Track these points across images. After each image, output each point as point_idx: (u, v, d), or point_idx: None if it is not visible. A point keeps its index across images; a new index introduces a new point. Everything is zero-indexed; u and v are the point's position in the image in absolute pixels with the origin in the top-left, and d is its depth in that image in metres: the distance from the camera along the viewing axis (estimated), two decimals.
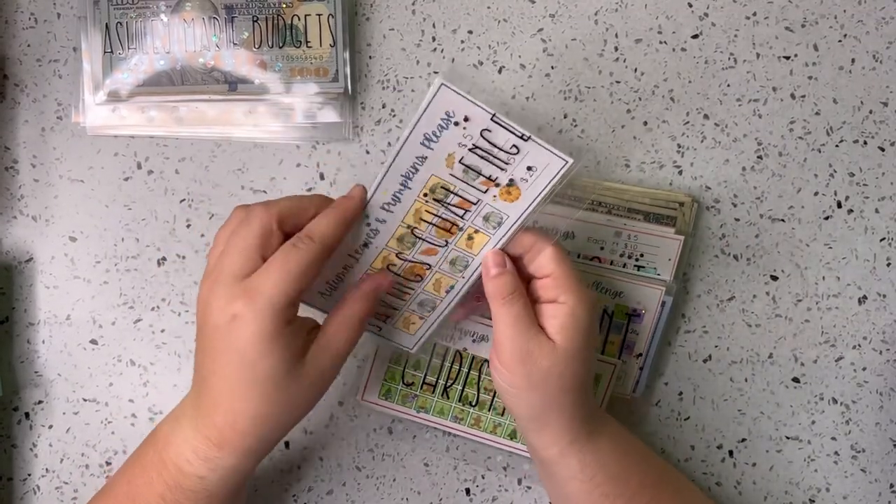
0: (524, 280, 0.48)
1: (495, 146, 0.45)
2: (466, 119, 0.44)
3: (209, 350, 0.44)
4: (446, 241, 0.49)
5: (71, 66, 0.59)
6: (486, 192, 0.47)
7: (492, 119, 0.44)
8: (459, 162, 0.46)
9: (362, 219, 0.48)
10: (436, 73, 0.59)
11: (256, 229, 0.44)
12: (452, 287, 0.50)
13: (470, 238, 0.48)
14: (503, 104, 0.59)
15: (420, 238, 0.49)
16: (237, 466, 0.45)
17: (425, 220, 0.48)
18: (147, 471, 0.46)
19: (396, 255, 0.49)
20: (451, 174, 0.46)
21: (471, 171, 0.46)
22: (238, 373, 0.43)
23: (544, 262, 0.47)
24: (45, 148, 0.59)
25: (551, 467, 0.49)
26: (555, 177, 0.45)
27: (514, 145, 0.45)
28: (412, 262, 0.50)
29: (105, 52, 0.57)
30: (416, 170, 0.46)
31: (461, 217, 0.48)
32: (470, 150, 0.45)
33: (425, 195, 0.47)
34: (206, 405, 0.45)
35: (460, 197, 0.47)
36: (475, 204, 0.47)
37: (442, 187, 0.47)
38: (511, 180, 0.46)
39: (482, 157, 0.46)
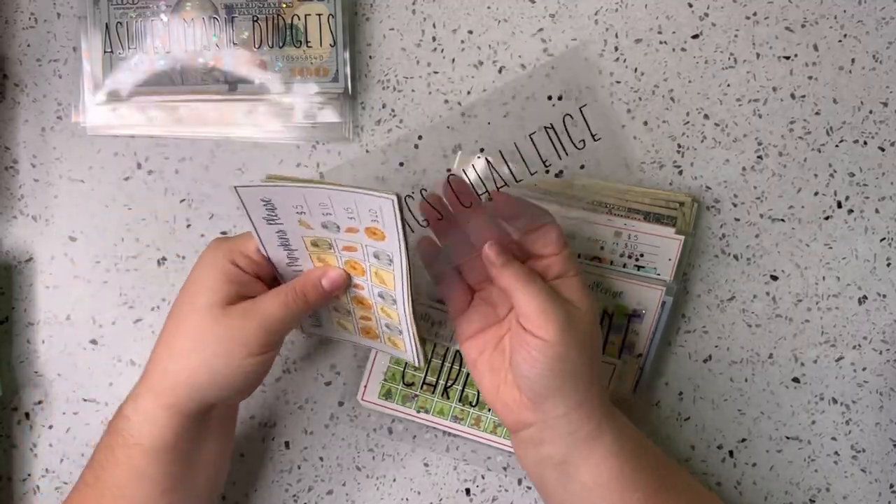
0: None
1: (329, 206, 0.44)
2: (289, 200, 0.44)
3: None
4: (364, 279, 0.49)
5: (71, 65, 0.59)
6: (357, 236, 0.46)
7: (309, 188, 0.43)
8: (313, 222, 0.46)
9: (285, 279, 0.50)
10: (436, 73, 0.59)
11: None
12: (398, 315, 0.49)
13: (378, 274, 0.48)
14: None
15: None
16: (150, 411, 0.46)
17: (332, 261, 0.48)
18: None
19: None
20: (317, 231, 0.46)
21: (329, 226, 0.46)
22: (179, 299, 0.47)
23: (554, 239, 0.48)
24: (45, 148, 0.59)
25: (584, 448, 0.48)
26: (397, 214, 0.43)
27: (346, 208, 0.44)
28: (353, 294, 0.50)
29: (105, 52, 0.57)
30: (287, 239, 0.47)
31: (358, 260, 0.48)
32: (312, 215, 0.45)
33: (315, 247, 0.47)
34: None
35: (343, 244, 0.47)
36: (358, 247, 0.47)
37: (321, 240, 0.47)
38: (367, 226, 0.45)
39: (326, 214, 0.45)
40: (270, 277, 0.49)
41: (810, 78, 0.59)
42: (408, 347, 0.52)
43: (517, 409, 0.49)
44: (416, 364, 0.53)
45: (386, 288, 0.48)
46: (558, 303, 0.47)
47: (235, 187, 0.43)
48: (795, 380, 0.59)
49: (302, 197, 0.44)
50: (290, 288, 0.47)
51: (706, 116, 0.59)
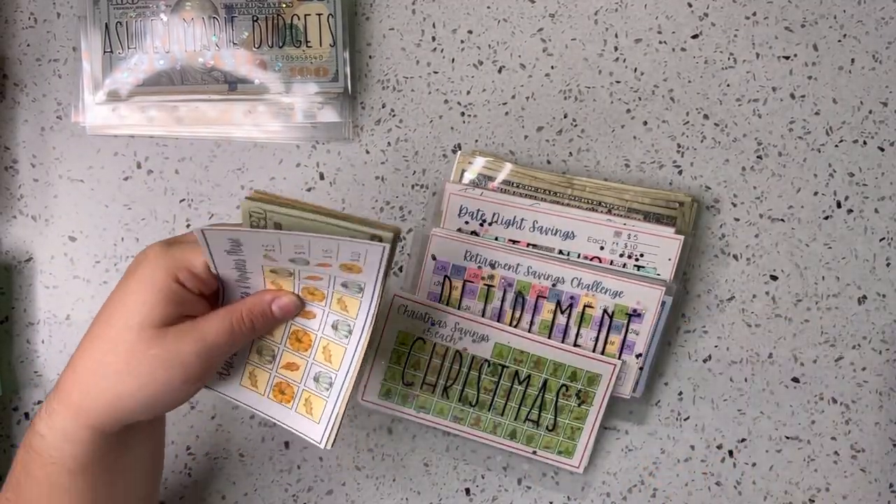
0: None
1: (305, 248, 0.41)
2: (260, 241, 0.41)
3: (110, 296, 0.43)
4: (321, 305, 0.46)
5: (71, 65, 0.59)
6: (328, 269, 0.43)
7: (288, 235, 0.41)
8: (279, 257, 0.43)
9: (226, 293, 0.45)
10: (436, 72, 0.59)
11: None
12: (344, 359, 0.46)
13: (341, 301, 0.45)
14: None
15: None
16: (69, 430, 0.42)
17: (287, 286, 0.45)
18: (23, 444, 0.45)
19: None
20: (280, 264, 0.43)
21: (297, 260, 0.43)
22: (107, 313, 0.42)
23: None
24: (44, 148, 0.59)
25: None
26: (382, 258, 0.41)
27: (324, 250, 0.41)
28: (293, 326, 0.46)
29: (105, 52, 0.57)
30: (244, 264, 0.43)
31: (320, 287, 0.45)
32: (282, 252, 0.42)
33: (272, 273, 0.44)
34: (75, 351, 0.44)
35: (309, 273, 0.44)
36: (325, 275, 0.44)
37: (281, 269, 0.44)
38: (344, 262, 0.42)
39: (298, 253, 0.42)
40: (215, 293, 0.45)
41: (810, 78, 0.59)
42: (328, 411, 0.47)
43: None
44: (322, 445, 0.47)
45: (345, 316, 0.45)
46: None
47: (202, 230, 0.40)
48: (795, 380, 0.59)
49: (277, 240, 0.41)
50: (237, 312, 0.43)
51: (706, 116, 0.59)
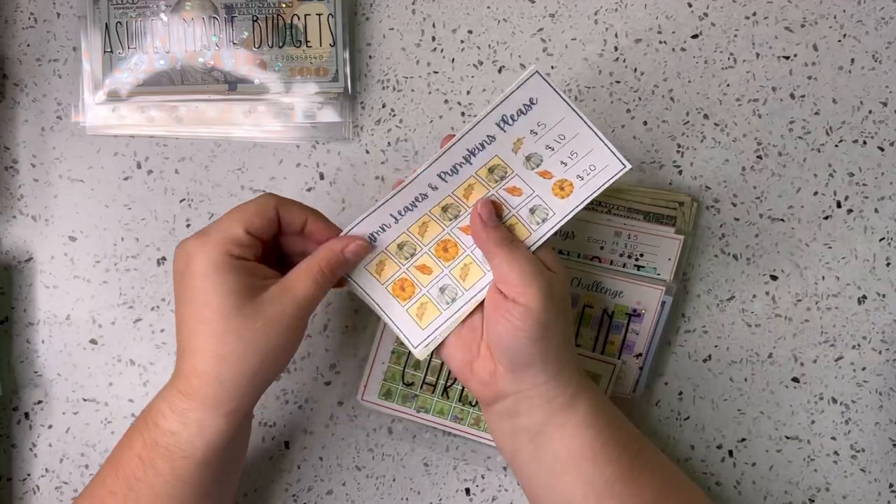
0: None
1: (564, 140, 0.47)
2: (547, 110, 0.46)
3: (178, 301, 0.46)
4: None
5: (71, 65, 0.59)
6: (541, 183, 0.48)
7: (576, 114, 0.46)
8: (525, 148, 0.47)
9: (413, 184, 0.48)
10: (436, 72, 0.59)
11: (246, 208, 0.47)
12: (477, 283, 0.49)
13: (510, 228, 0.48)
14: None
15: (465, 211, 0.49)
16: (206, 422, 0.45)
17: (475, 197, 0.49)
18: (131, 433, 0.47)
19: (436, 222, 0.49)
20: (513, 159, 0.48)
21: (533, 158, 0.48)
22: (194, 312, 0.45)
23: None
24: (44, 147, 0.59)
25: (560, 417, 0.47)
26: (609, 179, 0.47)
27: (572, 151, 0.47)
28: (448, 235, 0.49)
29: (105, 52, 0.57)
30: (483, 147, 0.47)
31: (508, 204, 0.48)
32: (539, 139, 0.47)
33: (483, 174, 0.48)
34: (178, 357, 0.46)
35: (514, 184, 0.48)
36: (526, 194, 0.48)
37: (501, 168, 0.48)
38: (566, 178, 0.48)
39: (548, 148, 0.47)
40: (270, 234, 0.48)
41: (810, 78, 0.59)
42: (437, 322, 0.49)
43: (494, 382, 0.47)
44: (416, 350, 0.50)
45: None
46: (539, 268, 0.47)
47: (537, 71, 0.45)
48: (795, 379, 0.59)
49: (559, 117, 0.46)
50: (315, 267, 0.47)
51: (706, 116, 0.59)
